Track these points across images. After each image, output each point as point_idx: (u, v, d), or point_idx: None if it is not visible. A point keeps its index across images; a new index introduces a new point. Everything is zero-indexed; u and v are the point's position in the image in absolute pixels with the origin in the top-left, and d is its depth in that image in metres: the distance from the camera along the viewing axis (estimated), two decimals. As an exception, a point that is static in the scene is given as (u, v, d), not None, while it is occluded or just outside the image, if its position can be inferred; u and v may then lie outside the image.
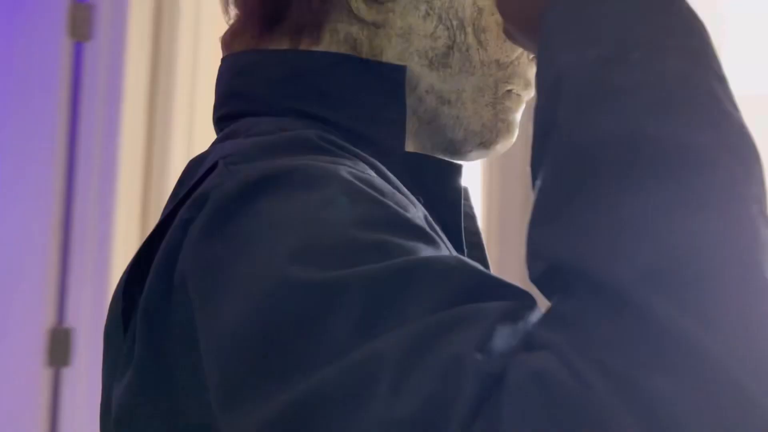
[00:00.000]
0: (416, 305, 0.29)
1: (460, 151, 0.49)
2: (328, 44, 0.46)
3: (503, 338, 0.28)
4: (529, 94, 0.49)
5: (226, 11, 0.50)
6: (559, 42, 0.33)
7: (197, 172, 0.40)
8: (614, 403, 0.25)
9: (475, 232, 0.51)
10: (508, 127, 0.49)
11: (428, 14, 0.46)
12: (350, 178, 0.35)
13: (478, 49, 0.47)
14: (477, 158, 0.51)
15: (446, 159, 0.49)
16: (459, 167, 0.49)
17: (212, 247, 0.35)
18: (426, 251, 0.32)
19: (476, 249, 0.50)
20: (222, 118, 0.48)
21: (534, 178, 0.32)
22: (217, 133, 0.49)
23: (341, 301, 0.30)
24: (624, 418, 0.24)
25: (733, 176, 0.29)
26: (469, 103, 0.48)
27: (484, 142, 0.49)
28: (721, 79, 0.31)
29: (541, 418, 0.25)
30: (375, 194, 0.35)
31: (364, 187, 0.35)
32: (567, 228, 0.29)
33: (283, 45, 0.47)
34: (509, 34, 0.42)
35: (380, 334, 0.29)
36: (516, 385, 0.26)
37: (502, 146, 0.50)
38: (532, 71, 0.47)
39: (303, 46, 0.46)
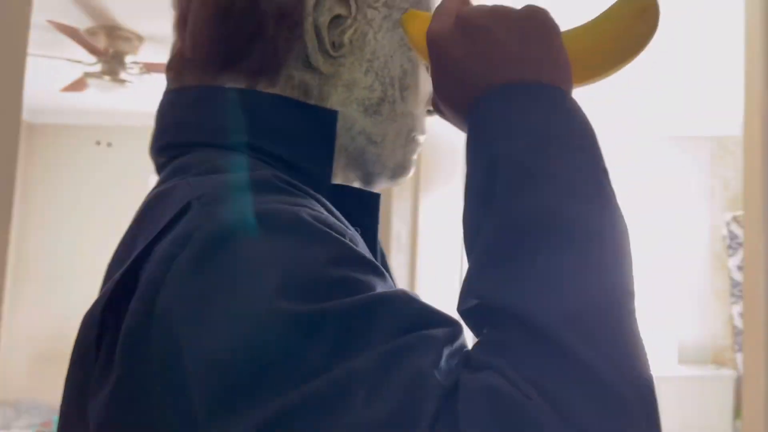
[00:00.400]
0: (379, 332, 0.37)
1: (373, 183, 0.58)
2: (282, 88, 0.52)
3: (448, 358, 0.37)
4: (422, 139, 0.60)
5: (178, 34, 0.54)
6: (494, 129, 0.44)
7: (163, 208, 0.44)
8: (546, 409, 0.34)
9: (383, 253, 0.61)
10: (411, 165, 0.61)
11: (368, 70, 0.55)
12: (311, 220, 0.41)
13: (401, 102, 0.57)
14: (382, 188, 0.60)
15: (365, 189, 0.58)
16: (378, 196, 0.57)
17: (199, 282, 0.39)
18: (379, 285, 0.40)
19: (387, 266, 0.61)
20: (165, 147, 0.53)
21: (467, 227, 0.44)
22: (157, 161, 0.54)
23: (319, 329, 0.36)
24: (553, 419, 0.34)
25: (614, 244, 0.41)
26: (389, 144, 0.57)
27: (394, 177, 0.59)
28: (605, 171, 0.44)
29: (491, 421, 0.34)
30: (333, 234, 0.41)
31: (323, 227, 0.41)
32: (504, 277, 0.39)
33: (240, 84, 0.52)
34: (438, 109, 0.53)
35: (352, 357, 0.35)
36: (468, 396, 0.35)
37: (403, 180, 0.60)
38: (425, 121, 0.60)
39: (260, 88, 0.52)
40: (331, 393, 0.34)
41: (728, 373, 4.59)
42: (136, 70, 3.60)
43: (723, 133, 5.02)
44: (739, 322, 4.67)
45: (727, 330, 5.00)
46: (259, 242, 0.39)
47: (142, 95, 3.78)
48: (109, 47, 3.49)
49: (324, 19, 0.51)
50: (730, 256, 4.99)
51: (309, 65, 0.52)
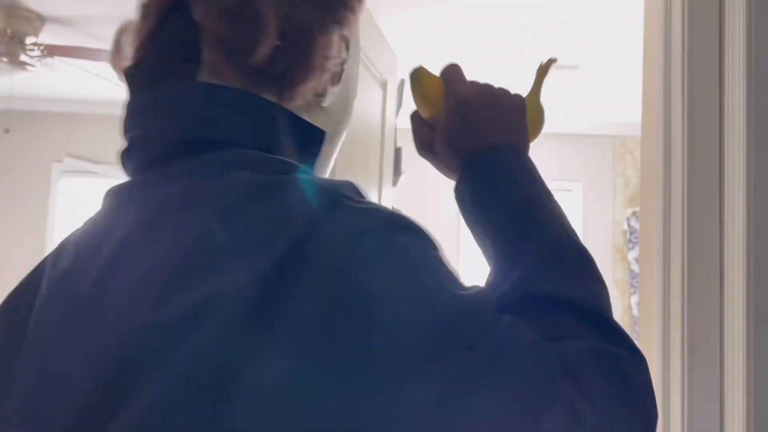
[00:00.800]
0: (490, 312, 0.51)
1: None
2: (294, 107, 0.60)
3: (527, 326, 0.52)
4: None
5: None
6: (518, 177, 0.66)
7: (279, 203, 0.49)
8: (633, 359, 0.53)
9: None
10: None
11: (329, 116, 0.65)
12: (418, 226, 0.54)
13: (344, 129, 0.69)
14: None
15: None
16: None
17: (386, 265, 0.47)
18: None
19: None
20: (196, 141, 0.55)
21: (502, 239, 0.63)
22: (166, 149, 0.55)
23: (468, 306, 0.49)
24: (639, 366, 0.53)
25: (585, 261, 0.62)
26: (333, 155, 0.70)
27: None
28: (564, 215, 0.64)
29: (603, 372, 0.50)
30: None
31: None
32: (561, 279, 0.59)
33: (271, 98, 0.58)
34: (429, 149, 0.72)
35: (495, 325, 0.50)
36: (579, 357, 0.50)
37: None
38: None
39: (283, 104, 0.59)
40: (503, 345, 0.48)
41: (626, 361, 4.85)
42: (37, 52, 3.43)
43: (625, 133, 5.29)
44: (636, 312, 4.94)
45: (626, 319, 5.28)
46: (410, 239, 0.51)
47: (45, 80, 3.60)
48: (7, 27, 3.31)
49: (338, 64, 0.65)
50: (630, 249, 5.28)
51: (318, 95, 0.63)
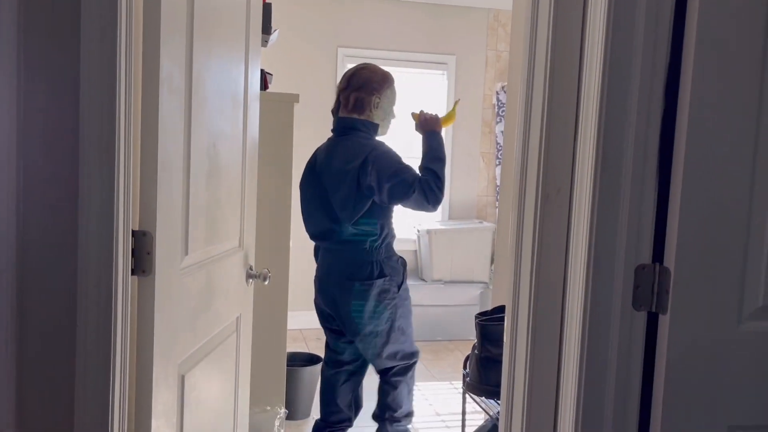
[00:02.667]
0: (411, 173, 2.71)
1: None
2: (368, 116, 2.82)
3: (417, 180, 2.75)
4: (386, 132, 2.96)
5: (342, 99, 2.83)
6: (438, 146, 2.80)
7: (361, 145, 2.73)
8: (437, 187, 2.71)
9: None
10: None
11: (383, 119, 2.87)
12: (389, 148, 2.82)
13: (385, 124, 2.91)
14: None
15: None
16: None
17: (382, 157, 2.70)
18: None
19: None
20: (347, 128, 2.80)
21: (429, 160, 2.74)
22: (338, 128, 2.84)
23: (409, 173, 2.68)
24: (438, 190, 2.72)
25: (442, 162, 2.76)
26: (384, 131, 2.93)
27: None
28: (443, 158, 2.77)
29: (426, 187, 2.68)
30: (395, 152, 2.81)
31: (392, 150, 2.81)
32: (436, 167, 2.73)
33: (364, 117, 2.80)
34: (417, 129, 2.89)
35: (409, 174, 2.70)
36: (422, 183, 2.67)
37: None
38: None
39: (367, 119, 2.82)
40: (410, 178, 2.65)
41: (489, 226, 5.24)
42: None
43: (499, 6, 5.39)
44: (499, 182, 5.28)
45: (491, 188, 5.64)
46: (388, 153, 2.72)
47: None
48: None
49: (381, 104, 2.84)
50: (498, 122, 5.53)
51: (376, 110, 2.82)
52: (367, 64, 2.84)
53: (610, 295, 1.26)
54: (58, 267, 1.23)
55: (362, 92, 2.72)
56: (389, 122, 2.83)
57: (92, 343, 1.24)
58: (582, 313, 1.27)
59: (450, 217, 5.58)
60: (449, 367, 4.51)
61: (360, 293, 2.70)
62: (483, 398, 2.64)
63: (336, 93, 2.83)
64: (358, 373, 2.92)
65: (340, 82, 2.79)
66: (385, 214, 2.74)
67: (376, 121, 2.76)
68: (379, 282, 2.70)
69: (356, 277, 2.70)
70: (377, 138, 2.78)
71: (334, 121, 2.83)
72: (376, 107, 2.74)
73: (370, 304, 2.70)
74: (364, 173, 2.61)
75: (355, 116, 2.74)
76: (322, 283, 2.80)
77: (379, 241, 2.73)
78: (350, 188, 2.66)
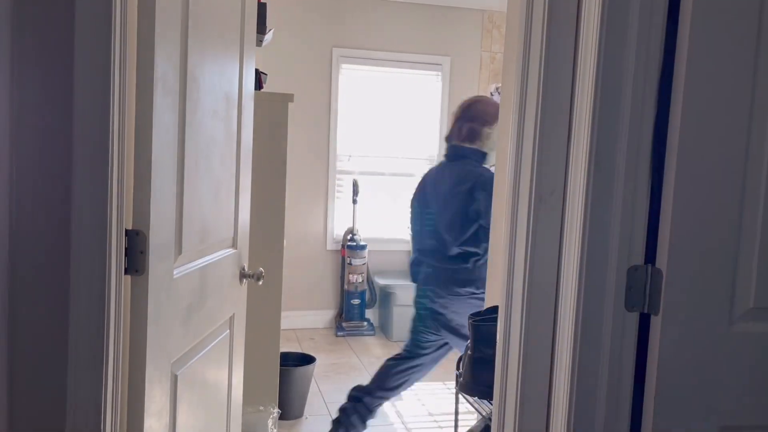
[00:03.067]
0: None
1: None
2: (482, 147, 3.04)
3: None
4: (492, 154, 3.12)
5: (455, 127, 3.11)
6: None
7: (470, 172, 2.96)
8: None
9: None
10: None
11: (487, 146, 3.04)
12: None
13: (491, 148, 3.07)
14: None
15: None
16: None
17: (487, 187, 2.89)
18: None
19: None
20: (458, 155, 3.06)
21: None
22: (449, 156, 3.11)
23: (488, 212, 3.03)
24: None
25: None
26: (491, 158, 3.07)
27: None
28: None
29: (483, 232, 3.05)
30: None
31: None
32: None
33: (475, 146, 3.02)
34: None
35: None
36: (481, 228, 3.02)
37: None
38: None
39: (478, 148, 3.04)
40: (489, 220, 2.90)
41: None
42: None
43: (493, 8, 5.40)
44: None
45: (484, 189, 5.64)
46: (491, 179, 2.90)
47: None
48: None
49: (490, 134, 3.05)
50: (492, 123, 5.55)
51: (486, 140, 3.03)
52: (482, 96, 3.34)
53: (602, 296, 1.27)
54: (51, 266, 1.22)
55: (476, 123, 3.01)
56: (495, 152, 3.06)
57: (85, 343, 1.24)
58: (574, 313, 1.27)
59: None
60: (442, 367, 4.51)
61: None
62: (476, 398, 2.64)
63: (451, 121, 3.14)
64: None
65: (456, 111, 3.15)
66: (488, 237, 3.01)
67: (485, 150, 3.02)
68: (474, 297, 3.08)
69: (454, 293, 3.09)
70: (484, 165, 3.05)
71: (446, 147, 3.12)
72: (487, 138, 3.04)
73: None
74: (471, 198, 2.90)
75: (467, 145, 3.03)
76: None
77: (482, 261, 3.01)
78: (457, 211, 2.95)
